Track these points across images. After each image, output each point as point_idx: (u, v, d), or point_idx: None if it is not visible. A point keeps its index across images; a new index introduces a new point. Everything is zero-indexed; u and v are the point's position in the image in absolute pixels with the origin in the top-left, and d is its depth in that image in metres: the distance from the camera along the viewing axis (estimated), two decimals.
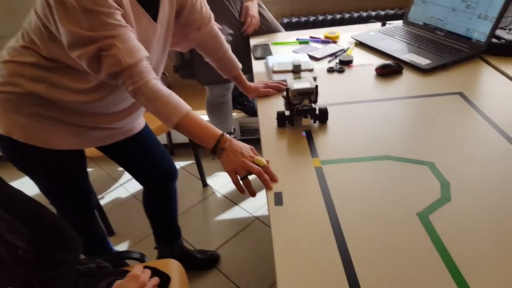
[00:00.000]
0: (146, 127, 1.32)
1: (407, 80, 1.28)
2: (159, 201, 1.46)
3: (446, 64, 1.32)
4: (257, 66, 1.46)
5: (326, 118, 1.07)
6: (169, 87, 1.80)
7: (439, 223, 0.74)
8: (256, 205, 1.93)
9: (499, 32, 1.38)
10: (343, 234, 0.74)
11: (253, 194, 0.91)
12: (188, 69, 1.82)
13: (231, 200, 1.99)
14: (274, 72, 1.37)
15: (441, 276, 0.65)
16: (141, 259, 1.14)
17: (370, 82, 1.28)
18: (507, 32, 1.40)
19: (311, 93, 1.03)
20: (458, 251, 0.69)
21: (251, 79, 1.34)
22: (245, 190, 0.92)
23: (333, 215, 0.79)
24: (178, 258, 1.21)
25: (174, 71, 1.88)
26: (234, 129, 2.16)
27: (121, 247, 1.80)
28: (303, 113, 1.02)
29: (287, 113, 1.07)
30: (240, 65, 1.26)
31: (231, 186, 2.07)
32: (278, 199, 0.84)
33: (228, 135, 0.92)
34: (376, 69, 1.32)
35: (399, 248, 0.71)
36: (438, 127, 1.03)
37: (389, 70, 1.30)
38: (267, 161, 0.92)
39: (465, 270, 0.66)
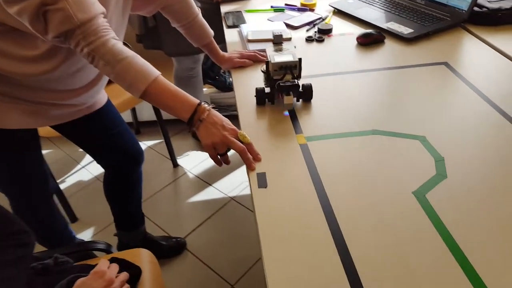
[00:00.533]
0: (109, 102, 1.19)
1: (389, 49, 1.21)
2: (122, 186, 1.33)
3: (428, 33, 1.26)
4: (230, 35, 1.35)
5: (311, 96, 0.97)
6: None
7: (437, 202, 0.69)
8: (231, 185, 1.84)
9: (480, 1, 1.33)
10: (335, 216, 0.67)
11: (228, 163, 0.84)
12: (153, 39, 1.66)
13: (204, 181, 1.89)
14: (249, 41, 1.26)
15: (442, 257, 0.60)
16: (107, 249, 1.04)
17: (351, 52, 1.20)
18: (488, 1, 1.36)
19: (294, 67, 0.92)
20: (459, 231, 0.63)
21: (224, 49, 1.23)
22: (222, 163, 0.84)
23: (322, 196, 0.71)
24: (140, 247, 1.17)
25: (137, 41, 1.71)
26: None
27: (85, 234, 1.67)
28: (285, 90, 0.91)
29: (267, 90, 0.97)
30: (212, 32, 1.14)
31: (204, 166, 1.97)
32: (262, 181, 0.76)
33: (206, 105, 0.81)
34: (358, 38, 1.24)
35: (396, 230, 0.64)
36: (426, 99, 0.97)
37: (371, 39, 1.23)
38: None
39: (468, 251, 0.60)
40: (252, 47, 1.23)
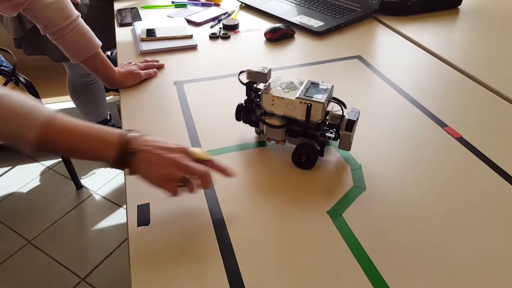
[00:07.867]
0: None
1: (300, 45, 1.10)
2: None
3: (340, 26, 1.17)
4: (122, 35, 1.15)
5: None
6: (14, 68, 1.38)
7: (356, 223, 0.57)
8: None
9: None
10: (236, 257, 0.53)
11: (192, 190, 0.57)
12: (34, 42, 1.40)
13: (113, 202, 1.65)
14: (143, 40, 1.08)
15: None
16: None
17: (260, 48, 1.07)
18: None
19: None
20: (385, 261, 0.52)
21: (114, 58, 1.03)
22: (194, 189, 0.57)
23: (220, 227, 0.56)
24: None
25: (16, 46, 1.43)
26: (110, 115, 1.80)
27: None
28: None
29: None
30: (98, 42, 0.87)
31: (113, 185, 1.73)
32: (143, 216, 0.59)
33: (126, 131, 0.56)
34: (265, 34, 1.12)
35: (309, 264, 0.51)
36: (339, 97, 0.86)
37: (280, 34, 1.11)
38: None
39: (393, 285, 0.49)
40: (146, 46, 1.05)
